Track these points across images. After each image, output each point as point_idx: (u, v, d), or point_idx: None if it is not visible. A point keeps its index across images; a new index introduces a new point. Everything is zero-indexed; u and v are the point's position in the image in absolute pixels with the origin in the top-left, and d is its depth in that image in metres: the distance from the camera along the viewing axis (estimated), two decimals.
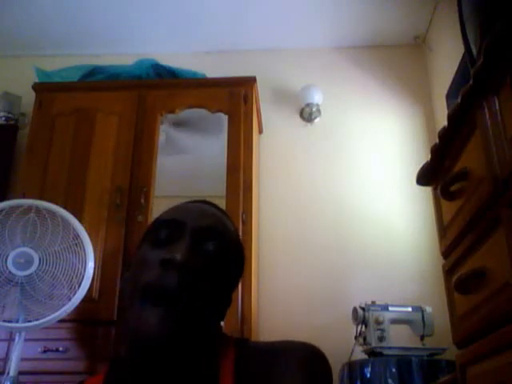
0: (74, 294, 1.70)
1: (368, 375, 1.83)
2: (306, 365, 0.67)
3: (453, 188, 1.10)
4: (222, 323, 0.78)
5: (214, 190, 2.46)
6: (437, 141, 1.17)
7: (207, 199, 0.83)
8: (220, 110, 2.46)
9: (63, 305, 1.68)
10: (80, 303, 1.74)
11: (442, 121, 1.40)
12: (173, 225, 0.72)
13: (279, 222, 2.60)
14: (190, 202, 0.80)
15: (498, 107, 0.90)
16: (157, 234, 0.72)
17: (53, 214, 1.77)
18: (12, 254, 1.68)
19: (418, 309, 2.07)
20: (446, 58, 2.51)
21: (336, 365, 2.04)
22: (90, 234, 1.85)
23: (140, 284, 0.67)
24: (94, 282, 2.03)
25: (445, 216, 1.19)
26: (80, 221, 1.88)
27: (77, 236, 1.77)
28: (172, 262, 0.66)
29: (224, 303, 0.75)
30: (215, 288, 0.70)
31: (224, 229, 0.76)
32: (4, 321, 1.67)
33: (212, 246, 0.71)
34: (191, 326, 0.66)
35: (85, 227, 1.85)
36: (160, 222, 0.74)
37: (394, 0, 2.66)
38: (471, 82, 0.97)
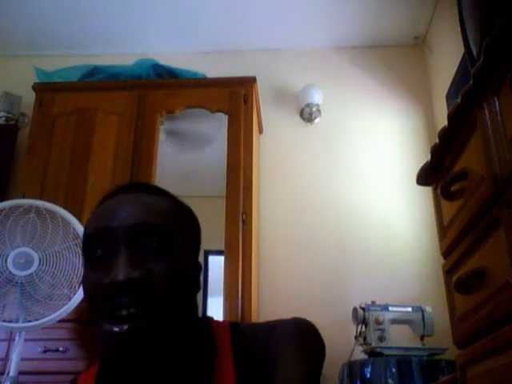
0: (73, 294, 1.70)
1: (368, 375, 1.83)
2: (300, 338, 0.69)
3: (453, 188, 1.10)
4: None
5: (214, 190, 2.46)
6: (437, 141, 1.17)
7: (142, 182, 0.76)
8: (220, 110, 2.46)
9: (63, 305, 1.68)
10: (80, 303, 1.74)
11: (442, 121, 1.40)
12: (103, 236, 0.65)
13: (279, 222, 2.60)
14: (116, 193, 0.72)
15: (497, 107, 0.90)
16: (91, 253, 0.66)
17: (53, 213, 1.77)
18: (12, 254, 1.68)
19: (418, 309, 2.07)
20: (446, 58, 2.51)
21: (336, 365, 2.04)
22: None
23: (94, 310, 0.64)
24: None
25: (445, 216, 1.19)
26: (80, 221, 1.87)
27: (77, 236, 1.77)
28: (114, 285, 0.61)
29: (189, 288, 0.70)
30: (174, 283, 0.65)
31: (160, 216, 0.67)
32: (4, 321, 1.67)
33: (155, 242, 0.65)
34: (162, 331, 0.63)
35: None
36: (89, 237, 0.67)
37: (394, 0, 2.66)
38: (471, 82, 0.97)
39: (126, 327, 0.60)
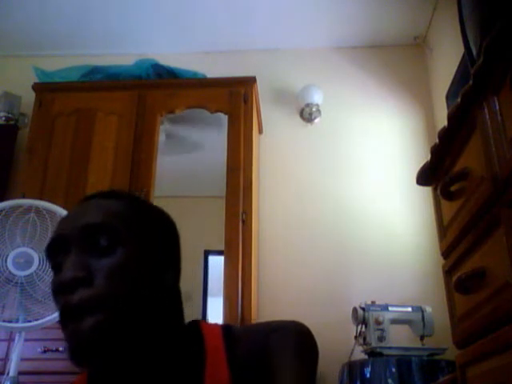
0: None
1: (368, 375, 1.83)
2: (297, 340, 0.70)
3: (453, 188, 1.10)
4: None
5: (214, 190, 2.47)
6: (437, 141, 1.17)
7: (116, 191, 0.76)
8: (220, 110, 2.46)
9: None
10: None
11: (442, 121, 1.40)
12: (58, 243, 0.68)
13: (279, 222, 2.60)
14: (76, 205, 0.73)
15: (497, 107, 0.90)
16: (53, 261, 0.69)
17: (53, 213, 1.76)
18: (12, 254, 1.68)
19: (418, 309, 2.07)
20: (446, 58, 2.51)
21: (336, 365, 2.04)
22: None
23: (59, 312, 0.66)
24: None
25: (445, 216, 1.19)
26: None
27: None
28: (61, 285, 0.64)
29: (145, 284, 0.68)
30: (120, 279, 0.65)
31: (108, 216, 0.68)
32: (4, 321, 1.67)
33: (105, 241, 0.66)
34: (122, 322, 0.64)
35: None
36: (48, 247, 0.70)
37: (394, 0, 2.66)
38: (471, 82, 0.97)
39: (82, 322, 0.62)
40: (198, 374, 0.68)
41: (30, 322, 1.66)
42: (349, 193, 2.63)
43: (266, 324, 0.75)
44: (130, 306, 0.65)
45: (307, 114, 2.77)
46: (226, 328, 0.74)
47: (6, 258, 1.67)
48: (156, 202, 2.58)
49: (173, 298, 0.73)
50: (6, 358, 1.90)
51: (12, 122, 2.74)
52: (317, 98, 2.75)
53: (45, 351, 1.99)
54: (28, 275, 1.67)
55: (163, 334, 0.69)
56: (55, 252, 0.68)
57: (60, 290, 0.64)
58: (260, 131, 2.77)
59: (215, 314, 2.39)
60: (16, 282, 1.66)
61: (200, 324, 0.76)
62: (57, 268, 0.68)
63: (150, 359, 0.68)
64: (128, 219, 0.70)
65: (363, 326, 2.03)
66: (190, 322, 0.76)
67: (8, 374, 1.63)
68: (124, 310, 0.64)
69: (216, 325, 0.76)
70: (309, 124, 2.79)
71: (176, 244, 0.77)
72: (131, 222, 0.70)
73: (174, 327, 0.72)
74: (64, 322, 0.65)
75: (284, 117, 2.84)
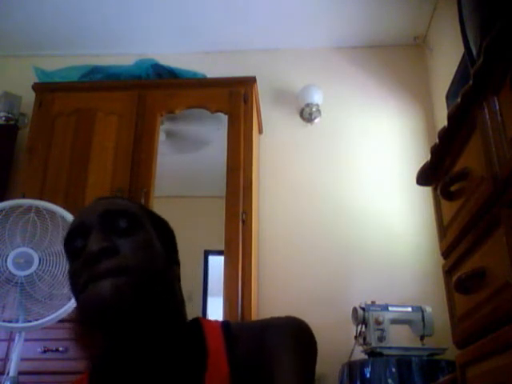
0: None
1: (368, 375, 1.83)
2: (295, 336, 0.71)
3: (453, 188, 1.10)
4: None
5: (214, 190, 2.47)
6: (437, 141, 1.17)
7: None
8: (220, 110, 2.46)
9: (63, 305, 1.68)
10: None
11: (442, 121, 1.40)
12: (79, 230, 0.71)
13: (279, 222, 2.60)
14: (93, 202, 0.78)
15: (497, 107, 0.90)
16: (71, 248, 0.72)
17: (53, 213, 1.76)
18: (12, 254, 1.68)
19: (418, 309, 2.07)
20: (446, 58, 2.51)
21: (336, 365, 2.04)
22: None
23: (77, 290, 0.68)
24: None
25: (445, 216, 1.19)
26: None
27: None
28: (88, 256, 0.66)
29: (159, 268, 0.72)
30: (142, 256, 0.69)
31: (132, 207, 0.75)
32: (4, 321, 1.67)
33: (124, 223, 0.71)
34: (142, 290, 0.67)
35: None
36: (68, 235, 0.73)
37: (394, 0, 2.66)
38: (471, 82, 0.97)
39: (108, 279, 0.64)
40: (199, 374, 0.68)
41: (30, 321, 1.66)
42: (349, 193, 2.63)
43: (263, 321, 0.76)
44: (151, 279, 0.68)
45: (307, 114, 2.77)
46: (225, 326, 0.75)
47: (6, 258, 1.67)
48: (156, 202, 2.56)
49: (179, 291, 0.77)
50: (6, 358, 1.90)
51: (12, 122, 2.74)
52: (317, 98, 2.75)
53: (45, 351, 1.99)
54: (28, 275, 1.67)
55: (168, 328, 0.71)
56: (74, 238, 0.71)
57: (86, 262, 0.66)
58: (260, 131, 2.77)
59: (215, 314, 2.39)
60: (16, 282, 1.66)
61: (201, 322, 0.76)
62: (75, 254, 0.70)
63: (153, 356, 0.68)
64: (142, 212, 0.76)
65: (363, 326, 2.03)
66: (191, 320, 0.77)
67: (8, 373, 1.63)
68: (145, 281, 0.67)
69: (216, 322, 0.77)
70: (309, 124, 2.79)
71: (176, 248, 0.82)
72: (144, 215, 0.76)
73: (178, 324, 0.73)
74: (84, 286, 0.66)
75: (284, 117, 2.84)
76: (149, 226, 0.75)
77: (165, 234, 0.79)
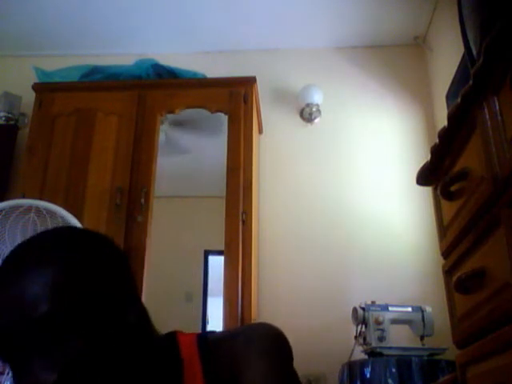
0: None
1: (368, 375, 1.83)
2: (263, 340, 0.71)
3: (453, 188, 1.10)
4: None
5: (214, 190, 2.47)
6: (437, 141, 1.17)
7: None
8: (220, 110, 2.46)
9: None
10: None
11: (442, 121, 1.40)
12: (5, 342, 0.60)
13: (279, 222, 2.60)
14: (8, 274, 0.62)
15: (497, 107, 0.90)
16: (7, 363, 0.61)
17: (53, 213, 1.77)
18: None
19: (418, 309, 2.07)
20: (446, 58, 2.51)
21: (336, 365, 2.04)
22: None
23: None
24: None
25: (445, 216, 1.19)
26: (80, 221, 1.87)
27: None
28: None
29: (119, 334, 0.64)
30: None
31: (56, 298, 0.60)
32: None
33: (60, 331, 0.59)
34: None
35: (85, 227, 1.85)
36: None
37: (394, 0, 2.66)
38: (471, 82, 0.97)
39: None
40: None
41: None
42: (349, 193, 2.63)
43: (235, 330, 0.76)
44: (103, 365, 0.61)
45: (307, 114, 2.77)
46: (201, 339, 0.74)
47: None
48: (156, 202, 2.56)
49: (141, 328, 0.68)
50: None
51: (12, 122, 2.74)
52: (317, 98, 2.75)
53: None
54: None
55: (136, 354, 0.66)
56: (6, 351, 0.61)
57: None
58: (260, 131, 2.77)
59: (215, 314, 2.39)
60: None
61: (177, 336, 0.75)
62: (18, 369, 0.61)
63: (127, 379, 0.64)
64: (72, 288, 0.61)
65: (363, 326, 2.03)
66: (167, 334, 0.74)
67: (8, 373, 1.63)
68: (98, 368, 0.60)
69: (193, 335, 0.75)
70: (309, 124, 2.79)
71: (128, 277, 0.70)
72: (77, 290, 0.62)
73: (146, 345, 0.68)
74: None
75: (284, 117, 2.84)
76: (88, 304, 0.61)
77: (115, 281, 0.67)
